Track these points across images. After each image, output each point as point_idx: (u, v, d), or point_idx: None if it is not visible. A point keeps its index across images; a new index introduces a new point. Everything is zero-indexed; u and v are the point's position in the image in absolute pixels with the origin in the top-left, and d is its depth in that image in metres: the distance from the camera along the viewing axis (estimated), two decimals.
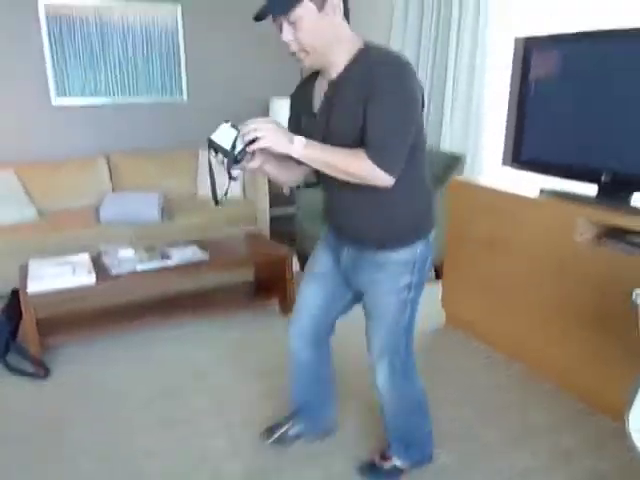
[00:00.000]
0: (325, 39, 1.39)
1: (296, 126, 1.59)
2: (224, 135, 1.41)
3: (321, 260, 1.80)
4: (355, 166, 1.38)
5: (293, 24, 1.35)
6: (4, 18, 3.94)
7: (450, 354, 2.81)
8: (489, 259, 2.73)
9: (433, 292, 3.34)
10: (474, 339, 2.92)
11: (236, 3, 4.57)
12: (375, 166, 1.36)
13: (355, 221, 1.61)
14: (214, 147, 1.43)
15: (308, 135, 1.41)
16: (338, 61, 1.44)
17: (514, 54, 2.56)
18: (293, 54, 1.42)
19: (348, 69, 1.43)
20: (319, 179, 1.65)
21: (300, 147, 1.36)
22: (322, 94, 1.51)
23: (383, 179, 1.39)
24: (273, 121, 1.38)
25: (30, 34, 4.04)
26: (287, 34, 1.37)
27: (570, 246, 2.29)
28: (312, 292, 1.81)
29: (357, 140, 1.41)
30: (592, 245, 2.24)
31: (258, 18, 1.37)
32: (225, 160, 1.40)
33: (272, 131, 1.35)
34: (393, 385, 1.75)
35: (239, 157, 1.40)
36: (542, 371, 2.56)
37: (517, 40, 2.55)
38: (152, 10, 4.40)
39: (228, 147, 1.40)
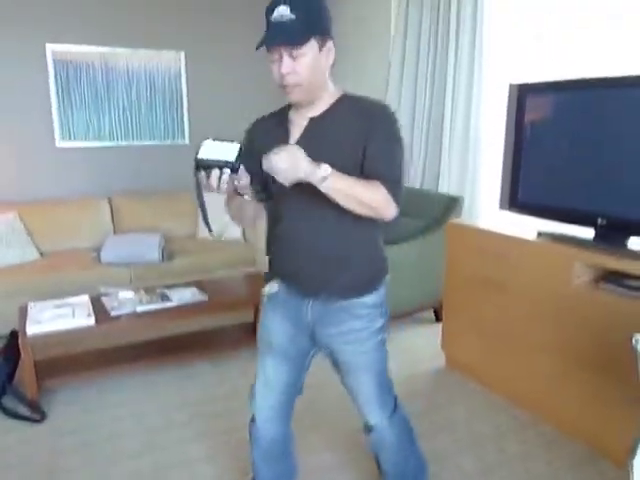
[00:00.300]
0: (319, 77, 1.46)
1: (253, 159, 1.40)
2: (215, 150, 1.34)
3: (275, 328, 1.66)
4: (373, 197, 1.41)
5: (294, 57, 1.39)
6: (13, 63, 4.05)
7: (450, 398, 2.78)
8: (488, 302, 2.73)
9: (433, 334, 3.34)
10: (474, 382, 2.90)
11: (238, 49, 4.71)
12: (390, 197, 1.42)
13: (330, 266, 1.53)
14: (205, 166, 1.32)
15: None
16: (323, 100, 1.51)
17: (508, 100, 2.62)
18: (284, 87, 1.44)
19: (332, 109, 1.51)
20: (275, 228, 1.58)
21: (325, 174, 1.34)
22: (299, 129, 1.52)
23: (393, 210, 1.45)
24: (299, 148, 1.36)
25: (37, 78, 4.15)
26: (287, 66, 1.40)
27: (568, 289, 2.30)
28: (275, 369, 1.67)
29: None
30: (590, 288, 2.25)
31: (264, 45, 1.39)
32: (224, 174, 1.32)
33: (300, 153, 1.34)
34: (390, 424, 1.72)
35: (238, 166, 1.34)
36: (542, 414, 2.54)
37: (511, 86, 2.61)
38: (156, 57, 4.54)
39: (231, 159, 1.32)
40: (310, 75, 1.42)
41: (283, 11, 1.36)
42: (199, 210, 1.44)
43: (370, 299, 1.58)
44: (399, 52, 4.03)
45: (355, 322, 1.58)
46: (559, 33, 3.01)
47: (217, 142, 1.34)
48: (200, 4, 4.65)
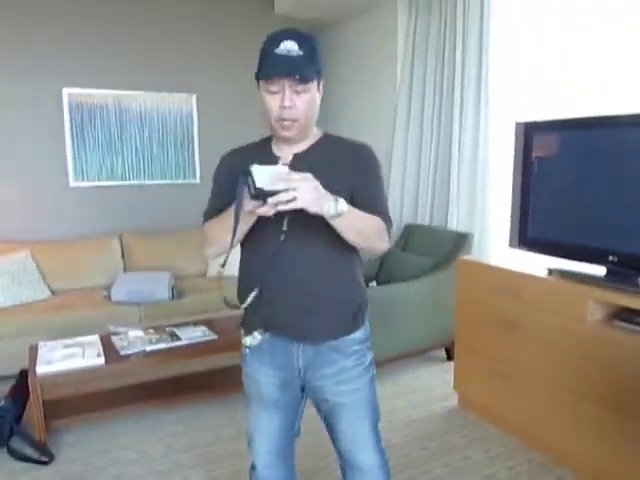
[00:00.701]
0: (315, 114, 1.49)
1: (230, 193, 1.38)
2: (270, 177, 1.24)
3: (263, 379, 1.59)
4: (376, 231, 1.45)
5: (298, 93, 1.40)
6: (30, 105, 4.16)
7: (463, 438, 2.72)
8: (499, 339, 2.70)
9: (445, 373, 3.30)
10: (487, 421, 2.84)
11: (246, 91, 4.79)
12: (386, 232, 1.49)
13: (322, 303, 1.50)
14: (265, 195, 1.23)
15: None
16: (309, 137, 1.53)
17: (515, 138, 2.64)
18: (282, 120, 1.43)
19: (315, 146, 1.53)
20: (258, 269, 1.48)
21: (344, 209, 1.32)
22: (284, 162, 1.49)
23: (387, 244, 1.51)
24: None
25: (53, 120, 4.25)
26: (289, 100, 1.40)
27: (582, 327, 2.27)
28: (268, 419, 1.63)
29: None
30: (604, 326, 2.23)
31: (267, 75, 1.39)
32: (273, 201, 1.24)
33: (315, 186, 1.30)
34: (386, 463, 1.65)
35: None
36: (556, 454, 2.47)
37: (518, 125, 2.64)
38: (169, 99, 4.65)
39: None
40: (308, 111, 1.44)
41: (291, 46, 1.37)
42: (230, 240, 1.37)
43: (358, 335, 1.57)
44: (406, 91, 4.11)
45: (347, 361, 1.55)
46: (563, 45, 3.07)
47: (263, 167, 1.26)
48: (210, 49, 4.79)
